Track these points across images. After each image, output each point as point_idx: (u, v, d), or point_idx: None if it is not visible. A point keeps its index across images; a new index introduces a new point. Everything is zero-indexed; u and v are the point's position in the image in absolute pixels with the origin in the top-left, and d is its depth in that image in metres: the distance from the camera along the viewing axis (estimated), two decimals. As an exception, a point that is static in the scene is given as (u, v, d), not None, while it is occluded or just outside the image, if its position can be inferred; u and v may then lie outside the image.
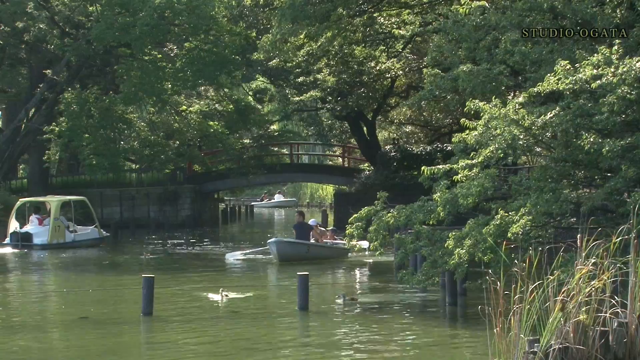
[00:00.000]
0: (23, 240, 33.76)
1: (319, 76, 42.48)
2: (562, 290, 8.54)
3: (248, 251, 29.63)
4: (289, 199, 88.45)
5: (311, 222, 30.05)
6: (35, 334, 15.62)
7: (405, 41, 37.82)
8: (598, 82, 13.66)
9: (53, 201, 35.43)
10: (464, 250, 14.44)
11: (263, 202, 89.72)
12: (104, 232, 37.14)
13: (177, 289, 21.55)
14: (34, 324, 16.71)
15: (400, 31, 20.32)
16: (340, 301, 17.81)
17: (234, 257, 28.69)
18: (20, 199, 36.60)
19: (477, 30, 17.57)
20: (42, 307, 19.24)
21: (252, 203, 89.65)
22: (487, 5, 17.69)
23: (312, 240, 28.34)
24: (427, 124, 52.29)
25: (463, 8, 17.44)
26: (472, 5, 17.45)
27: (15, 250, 32.89)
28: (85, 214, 37.04)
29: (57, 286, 23.24)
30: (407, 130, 54.63)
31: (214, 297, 18.70)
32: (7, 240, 34.15)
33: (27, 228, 34.53)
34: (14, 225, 34.61)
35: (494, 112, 14.61)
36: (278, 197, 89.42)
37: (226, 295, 18.56)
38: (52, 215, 34.49)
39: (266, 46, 31.53)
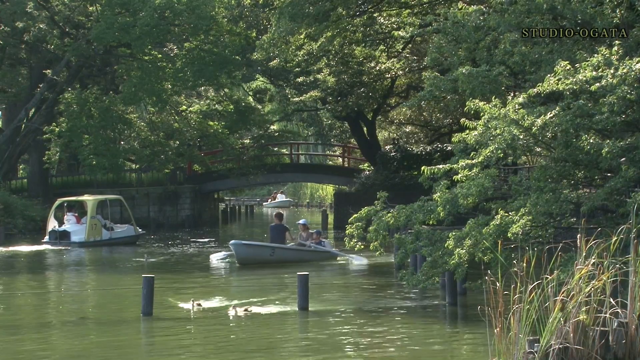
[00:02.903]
0: (61, 238, 34.82)
1: (319, 76, 42.50)
2: (562, 290, 8.55)
3: (229, 253, 29.21)
4: (285, 199, 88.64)
5: (301, 222, 29.61)
6: (35, 334, 15.62)
7: (405, 41, 37.82)
8: (598, 84, 13.66)
9: (89, 200, 36.60)
10: (464, 250, 14.44)
11: (269, 202, 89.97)
12: (140, 230, 38.19)
13: (177, 290, 21.55)
14: (33, 324, 16.71)
15: (399, 33, 20.29)
16: (232, 312, 17.14)
17: (217, 258, 28.14)
18: (58, 199, 37.61)
19: (477, 31, 17.57)
20: (42, 307, 19.22)
21: (263, 203, 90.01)
22: (483, 9, 17.70)
23: (290, 244, 27.85)
24: (427, 124, 52.33)
25: (460, 12, 17.46)
26: (469, 10, 17.46)
27: (54, 248, 33.78)
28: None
29: (59, 285, 23.25)
30: (407, 130, 54.66)
31: (184, 306, 18.00)
32: (46, 238, 35.23)
33: (65, 226, 35.65)
34: (52, 223, 35.73)
35: (493, 112, 14.62)
36: (280, 197, 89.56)
37: (198, 305, 17.79)
38: (88, 214, 35.68)
39: (265, 45, 31.50)
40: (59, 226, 35.73)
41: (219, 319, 16.72)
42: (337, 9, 30.82)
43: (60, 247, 33.90)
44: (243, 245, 27.31)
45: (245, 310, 17.30)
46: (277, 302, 18.87)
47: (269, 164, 52.54)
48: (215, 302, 18.42)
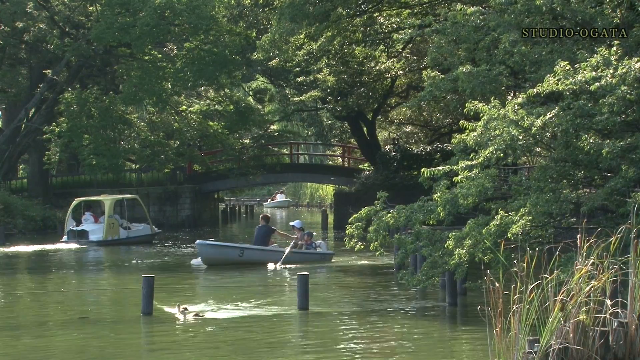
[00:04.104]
0: (79, 238, 35.58)
1: (319, 76, 42.49)
2: (562, 290, 8.55)
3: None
4: (285, 200, 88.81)
5: (295, 223, 29.22)
6: (35, 333, 15.62)
7: (405, 41, 37.81)
8: (597, 84, 13.65)
9: (107, 200, 37.33)
10: (464, 251, 14.44)
11: (269, 202, 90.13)
12: (156, 229, 39.10)
13: (167, 293, 21.56)
14: (33, 324, 16.70)
15: (399, 35, 20.25)
16: (181, 317, 16.62)
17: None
18: (76, 198, 38.31)
19: (477, 31, 17.57)
20: (41, 307, 19.22)
21: (263, 203, 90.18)
22: (483, 10, 17.70)
23: (274, 245, 27.27)
24: (427, 124, 52.35)
25: (460, 14, 17.47)
26: (468, 12, 17.47)
27: (72, 247, 34.40)
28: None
29: (59, 285, 23.24)
30: (407, 130, 54.68)
31: (171, 311, 17.36)
32: (65, 237, 35.98)
33: (83, 226, 36.48)
34: (70, 223, 36.49)
35: (493, 113, 14.62)
36: (280, 197, 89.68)
37: (185, 309, 17.09)
38: (106, 213, 36.44)
39: (265, 45, 31.48)
40: (77, 225, 36.43)
41: (218, 320, 16.71)
42: (337, 9, 30.81)
43: (78, 246, 34.56)
44: (207, 245, 26.97)
45: (196, 315, 16.80)
46: (276, 303, 18.87)
47: (268, 164, 52.56)
48: (205, 306, 18.27)
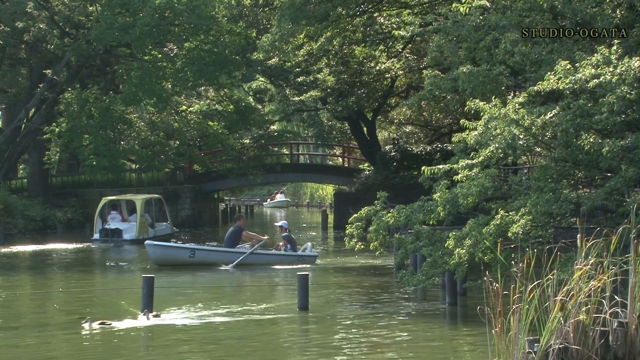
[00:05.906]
0: (112, 236, 36.36)
1: (319, 76, 42.50)
2: (562, 290, 8.54)
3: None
4: (284, 200, 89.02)
5: (281, 223, 28.99)
6: (34, 333, 15.61)
7: (405, 41, 37.83)
8: (596, 80, 13.65)
9: (138, 199, 38.25)
10: (464, 250, 14.44)
11: (268, 202, 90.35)
12: (175, 228, 41.04)
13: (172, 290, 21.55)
14: (32, 324, 16.70)
15: (400, 32, 20.23)
16: (86, 325, 15.85)
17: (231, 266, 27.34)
18: (104, 197, 39.11)
19: (477, 31, 17.57)
20: (41, 307, 19.22)
21: (263, 203, 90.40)
22: (487, 4, 17.68)
23: (245, 246, 26.66)
24: (427, 124, 52.39)
25: (463, 7, 17.43)
26: (473, 5, 17.43)
27: (106, 245, 35.10)
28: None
29: (58, 286, 23.25)
30: (407, 130, 54.72)
31: (140, 316, 16.79)
32: (96, 236, 36.71)
33: (111, 224, 37.18)
34: (99, 222, 37.31)
35: (493, 113, 14.62)
36: (280, 197, 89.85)
37: (156, 316, 16.62)
38: (138, 212, 37.35)
39: (266, 46, 31.49)
40: (102, 225, 37.13)
41: (219, 321, 16.71)
42: (337, 9, 30.81)
43: (112, 245, 35.27)
44: (155, 246, 26.64)
45: (102, 323, 16.02)
46: (276, 303, 18.86)
47: (268, 164, 52.59)
48: (205, 306, 18.30)
